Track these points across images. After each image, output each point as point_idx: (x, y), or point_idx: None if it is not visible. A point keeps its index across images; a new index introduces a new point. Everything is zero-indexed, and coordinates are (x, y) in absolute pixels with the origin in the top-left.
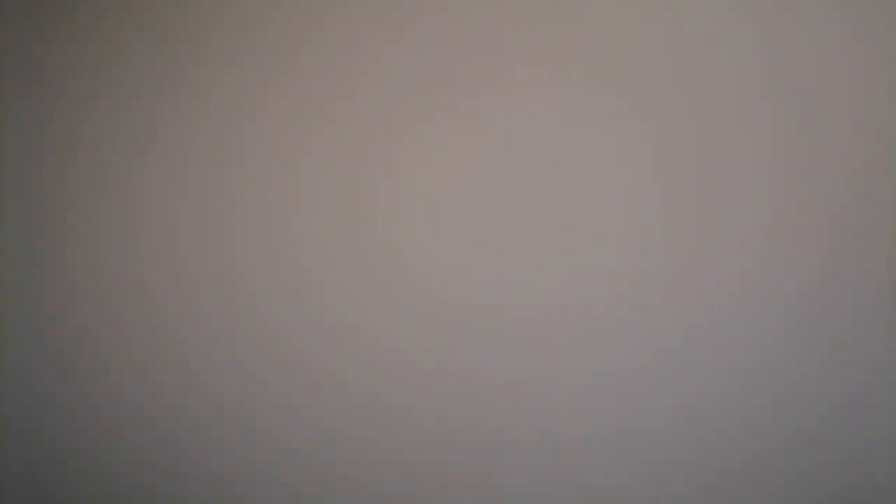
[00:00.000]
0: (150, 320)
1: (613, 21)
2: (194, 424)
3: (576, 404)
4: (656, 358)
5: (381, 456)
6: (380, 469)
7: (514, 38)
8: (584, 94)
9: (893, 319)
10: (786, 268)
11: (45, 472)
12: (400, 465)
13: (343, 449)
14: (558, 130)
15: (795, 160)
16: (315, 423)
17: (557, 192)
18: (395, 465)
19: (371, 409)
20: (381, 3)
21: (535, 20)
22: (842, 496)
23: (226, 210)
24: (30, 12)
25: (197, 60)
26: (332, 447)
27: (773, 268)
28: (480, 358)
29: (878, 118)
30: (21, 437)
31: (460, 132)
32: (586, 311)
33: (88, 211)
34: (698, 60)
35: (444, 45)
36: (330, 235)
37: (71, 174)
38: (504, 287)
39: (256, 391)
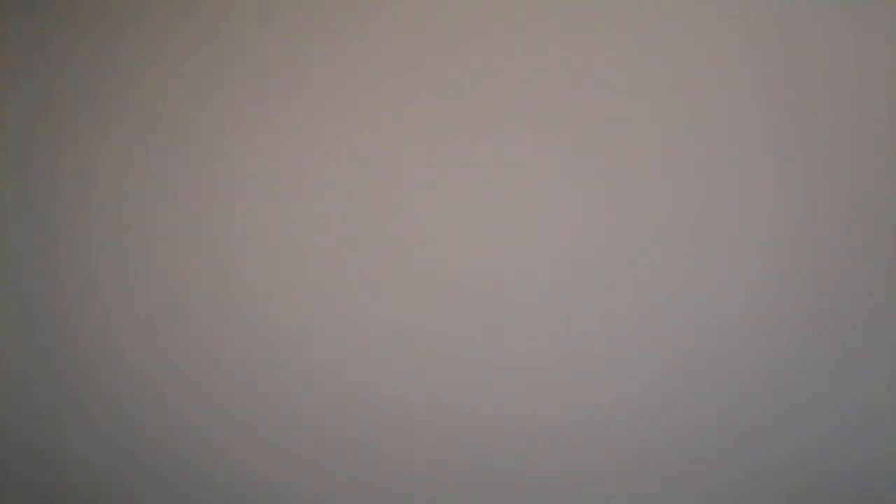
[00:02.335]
0: (140, 319)
1: (611, 22)
2: (183, 422)
3: (577, 428)
4: (660, 375)
5: (379, 455)
6: (377, 468)
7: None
8: (580, 105)
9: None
10: (790, 279)
11: (41, 475)
12: (397, 464)
13: (338, 447)
14: (552, 135)
15: (798, 171)
16: (307, 421)
17: (558, 199)
18: (393, 464)
19: (365, 408)
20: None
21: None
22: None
23: (218, 206)
24: (23, 10)
25: (190, 61)
26: (325, 445)
27: (778, 280)
28: (489, 354)
29: (879, 123)
30: (17, 442)
31: (426, 132)
32: (590, 322)
33: (78, 211)
34: (700, 68)
35: (452, 45)
36: (327, 231)
37: (61, 174)
38: (509, 293)
39: (249, 389)
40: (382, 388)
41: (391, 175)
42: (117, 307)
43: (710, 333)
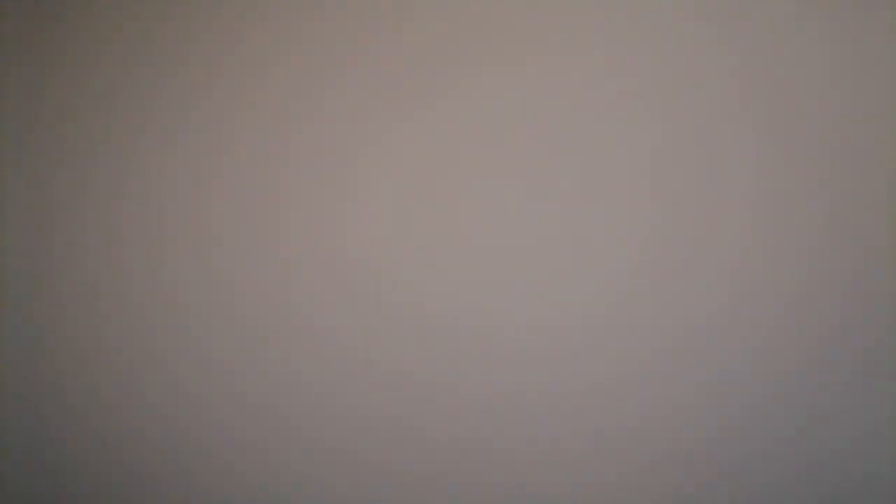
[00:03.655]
0: (133, 329)
1: (603, 28)
2: (178, 433)
3: (571, 409)
4: (651, 358)
5: (366, 467)
6: (364, 480)
7: (509, 40)
8: (574, 101)
9: (887, 315)
10: (778, 263)
11: (36, 477)
12: (385, 476)
13: (327, 459)
14: (548, 135)
15: (786, 157)
16: (298, 433)
17: (546, 196)
18: (380, 476)
19: (354, 419)
20: (366, 2)
21: (526, 21)
22: (838, 493)
23: (208, 214)
24: (21, 10)
25: (182, 61)
26: (315, 457)
27: (766, 264)
28: (468, 368)
29: (867, 118)
30: (13, 444)
31: (446, 133)
32: (578, 312)
33: (72, 214)
34: (688, 63)
35: (433, 41)
36: (313, 238)
37: (54, 177)
38: (491, 295)
39: (240, 400)
40: (371, 400)
41: (384, 178)
42: (109, 312)
43: (693, 324)
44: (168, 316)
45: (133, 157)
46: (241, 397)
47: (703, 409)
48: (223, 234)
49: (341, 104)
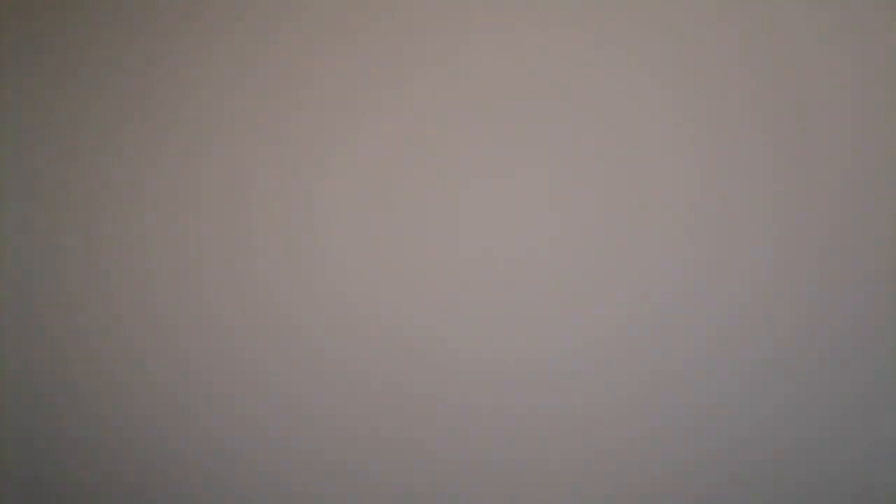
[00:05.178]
0: (115, 333)
1: (606, 23)
2: (160, 437)
3: (570, 423)
4: (658, 371)
5: (353, 477)
6: (351, 492)
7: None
8: (577, 103)
9: (894, 325)
10: (786, 276)
11: (45, 473)
12: (371, 486)
13: (313, 469)
14: (549, 138)
15: (794, 167)
16: (279, 443)
17: (548, 200)
18: (366, 486)
19: (334, 431)
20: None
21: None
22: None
23: (193, 216)
24: (24, 17)
25: (164, 64)
26: (300, 466)
27: (773, 277)
28: (466, 382)
29: (875, 122)
30: (21, 441)
31: (446, 134)
32: (586, 323)
33: (54, 213)
34: (695, 69)
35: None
36: (305, 240)
37: (36, 175)
38: (491, 299)
39: (265, 389)
40: (351, 413)
41: (401, 177)
42: (128, 309)
43: (704, 333)
44: (149, 319)
45: (115, 158)
46: (225, 403)
47: (715, 418)
48: (206, 236)
49: (332, 94)
